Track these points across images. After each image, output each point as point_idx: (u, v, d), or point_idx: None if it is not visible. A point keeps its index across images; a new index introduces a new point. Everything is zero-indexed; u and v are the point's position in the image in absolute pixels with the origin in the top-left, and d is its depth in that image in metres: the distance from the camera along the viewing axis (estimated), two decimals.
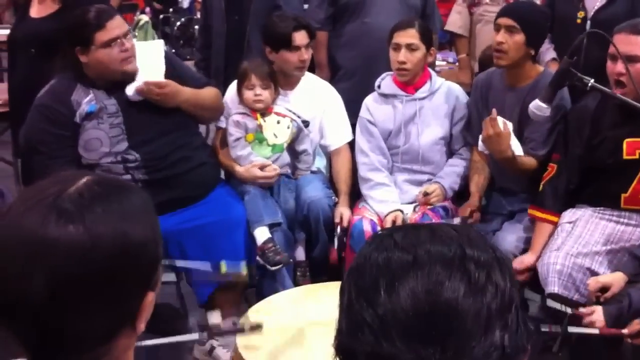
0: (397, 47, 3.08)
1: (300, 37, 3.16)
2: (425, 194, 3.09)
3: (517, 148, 2.83)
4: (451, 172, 3.17)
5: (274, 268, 2.87)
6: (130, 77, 2.87)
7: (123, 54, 2.80)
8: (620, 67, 2.52)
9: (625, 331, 2.19)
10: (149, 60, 2.95)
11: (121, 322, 0.94)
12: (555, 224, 2.76)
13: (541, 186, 2.83)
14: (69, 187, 0.93)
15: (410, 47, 3.07)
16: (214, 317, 2.20)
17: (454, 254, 0.85)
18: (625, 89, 2.52)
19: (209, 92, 3.10)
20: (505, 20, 2.88)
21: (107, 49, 2.77)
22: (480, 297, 0.83)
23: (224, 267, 2.54)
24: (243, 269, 2.57)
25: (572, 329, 2.23)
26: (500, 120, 2.77)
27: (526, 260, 2.70)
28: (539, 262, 2.64)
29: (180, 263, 2.65)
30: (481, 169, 3.14)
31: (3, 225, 0.92)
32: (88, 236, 0.89)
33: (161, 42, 3.15)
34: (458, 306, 0.82)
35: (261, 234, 2.93)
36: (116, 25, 2.79)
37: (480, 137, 2.84)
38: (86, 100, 2.83)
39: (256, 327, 2.15)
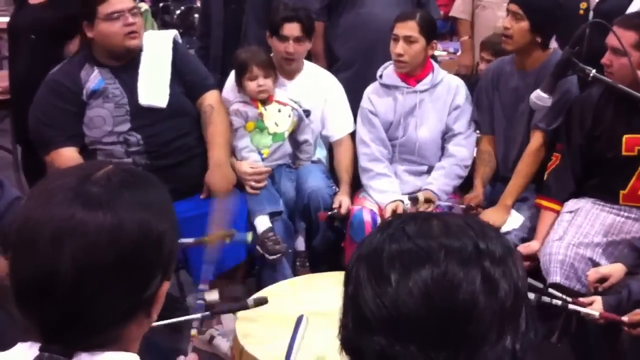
0: (396, 39, 3.07)
1: (290, 29, 3.12)
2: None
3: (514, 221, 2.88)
4: (439, 176, 3.13)
5: (272, 257, 2.86)
6: (134, 53, 2.87)
7: (126, 29, 2.80)
8: (606, 58, 2.56)
9: (625, 318, 2.19)
10: (157, 49, 2.96)
11: (138, 307, 0.96)
12: (559, 213, 2.77)
13: (546, 175, 2.84)
14: (96, 172, 0.96)
15: (409, 40, 3.05)
16: (212, 295, 2.21)
17: (470, 251, 0.83)
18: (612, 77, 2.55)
19: (220, 124, 2.99)
20: (511, 6, 2.91)
21: (109, 22, 2.78)
22: (495, 296, 0.81)
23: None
24: (248, 236, 2.63)
25: (572, 307, 2.22)
26: None
27: (532, 246, 2.71)
28: (541, 251, 2.64)
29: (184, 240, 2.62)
30: (487, 160, 3.14)
31: (32, 208, 0.95)
32: (116, 221, 0.92)
33: (174, 32, 3.13)
34: (474, 308, 0.80)
35: (261, 223, 2.93)
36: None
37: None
38: (92, 77, 2.85)
39: (261, 302, 2.15)
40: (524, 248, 2.69)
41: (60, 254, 0.90)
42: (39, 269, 0.91)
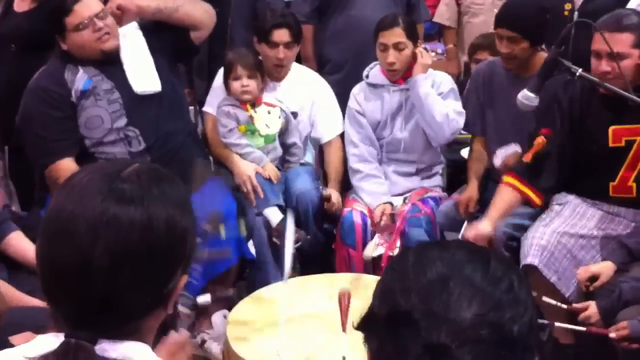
0: (385, 48, 3.04)
1: (279, 35, 3.12)
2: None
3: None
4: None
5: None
6: (112, 54, 2.82)
7: (97, 34, 2.76)
8: (604, 65, 2.45)
9: (612, 335, 2.19)
10: (130, 38, 2.90)
11: (160, 299, 1.01)
12: (530, 200, 2.65)
13: (531, 159, 2.62)
14: (125, 169, 1.02)
15: (398, 47, 3.04)
16: (204, 298, 2.24)
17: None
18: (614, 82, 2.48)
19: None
20: (505, 32, 2.87)
21: (79, 32, 2.75)
22: None
23: (222, 230, 2.66)
24: (242, 228, 2.65)
25: (558, 325, 2.23)
26: None
27: (481, 228, 2.55)
28: (523, 236, 2.59)
29: None
30: (480, 158, 3.15)
31: (65, 202, 0.99)
32: (146, 216, 0.98)
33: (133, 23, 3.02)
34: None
35: (274, 215, 2.94)
36: (84, 6, 2.75)
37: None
38: (78, 77, 2.81)
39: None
40: (473, 234, 2.52)
41: (96, 244, 0.95)
42: (75, 257, 0.95)
